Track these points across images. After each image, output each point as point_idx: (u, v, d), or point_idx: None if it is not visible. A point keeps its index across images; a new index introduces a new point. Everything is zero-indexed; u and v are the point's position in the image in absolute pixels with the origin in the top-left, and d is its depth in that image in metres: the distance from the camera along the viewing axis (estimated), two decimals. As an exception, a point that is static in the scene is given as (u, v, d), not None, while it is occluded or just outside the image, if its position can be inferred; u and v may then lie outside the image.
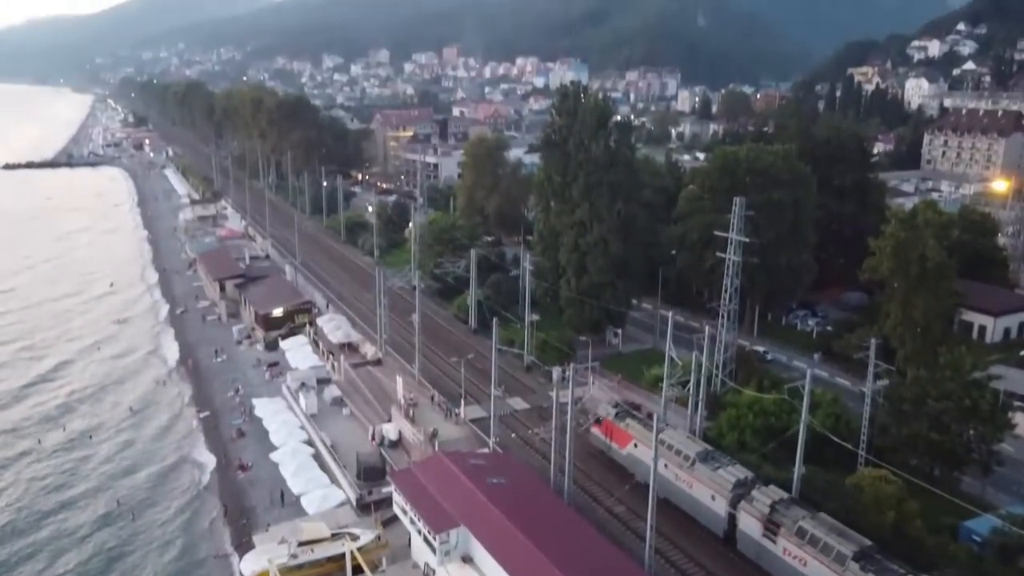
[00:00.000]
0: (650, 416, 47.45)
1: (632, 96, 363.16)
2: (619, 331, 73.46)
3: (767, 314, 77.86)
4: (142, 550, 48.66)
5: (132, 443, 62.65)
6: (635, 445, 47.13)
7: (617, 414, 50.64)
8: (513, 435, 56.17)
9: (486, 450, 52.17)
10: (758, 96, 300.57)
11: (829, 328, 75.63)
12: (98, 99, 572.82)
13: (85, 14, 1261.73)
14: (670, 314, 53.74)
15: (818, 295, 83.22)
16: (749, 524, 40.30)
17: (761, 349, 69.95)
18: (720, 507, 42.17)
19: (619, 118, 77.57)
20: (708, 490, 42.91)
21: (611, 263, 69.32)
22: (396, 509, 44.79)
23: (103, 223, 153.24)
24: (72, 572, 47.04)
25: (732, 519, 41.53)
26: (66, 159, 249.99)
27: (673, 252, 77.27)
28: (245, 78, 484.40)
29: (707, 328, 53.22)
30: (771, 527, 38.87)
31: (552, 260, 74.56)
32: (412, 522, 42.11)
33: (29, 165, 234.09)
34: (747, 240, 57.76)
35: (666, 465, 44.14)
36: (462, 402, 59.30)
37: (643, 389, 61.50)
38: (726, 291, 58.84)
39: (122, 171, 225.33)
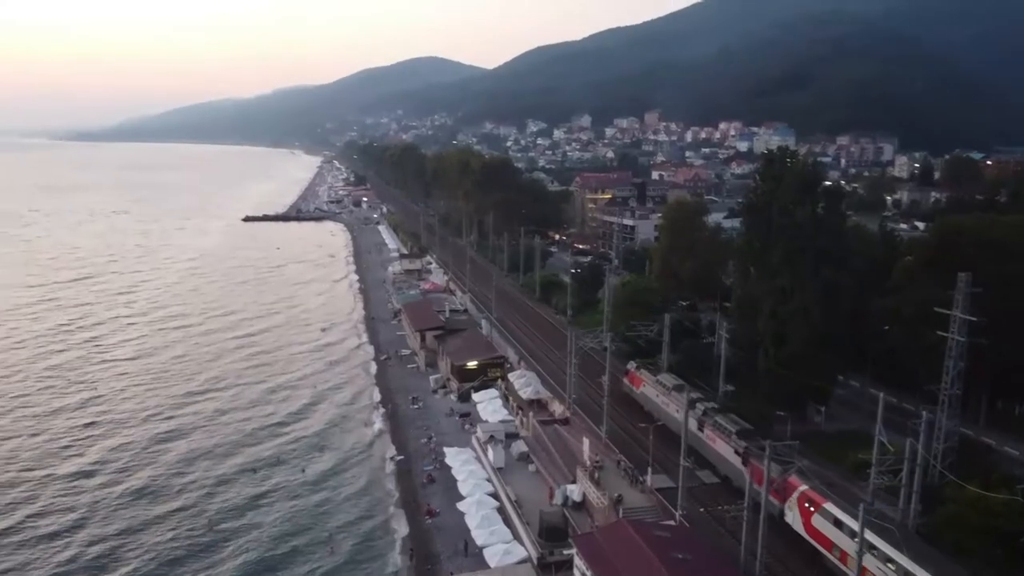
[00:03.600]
0: (856, 503, 43.62)
1: (843, 161, 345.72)
2: (822, 408, 68.77)
3: (997, 402, 69.79)
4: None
5: (329, 478, 66.45)
6: (645, 385, 71.41)
7: (637, 366, 73.84)
8: (701, 509, 53.83)
9: (672, 522, 50.27)
10: (988, 163, 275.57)
11: (1074, 423, 66.36)
12: (325, 160, 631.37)
13: (320, 84, 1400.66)
14: (880, 394, 49.62)
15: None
16: (692, 424, 57.32)
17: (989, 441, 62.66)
18: (680, 415, 58.77)
19: (828, 183, 74.01)
20: (675, 406, 63.72)
21: (813, 334, 65.38)
22: (577, 574, 44.05)
23: (322, 272, 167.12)
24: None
25: (686, 423, 55.73)
26: (295, 213, 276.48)
27: (886, 327, 71.61)
28: (455, 141, 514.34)
29: (924, 413, 48.56)
30: (702, 423, 59.96)
31: (749, 328, 71.58)
32: (592, 589, 41.23)
33: (265, 218, 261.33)
34: (973, 319, 52.47)
35: (657, 394, 68.93)
36: (649, 469, 57.76)
37: (847, 473, 56.77)
38: (947, 373, 53.52)
39: (342, 226, 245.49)
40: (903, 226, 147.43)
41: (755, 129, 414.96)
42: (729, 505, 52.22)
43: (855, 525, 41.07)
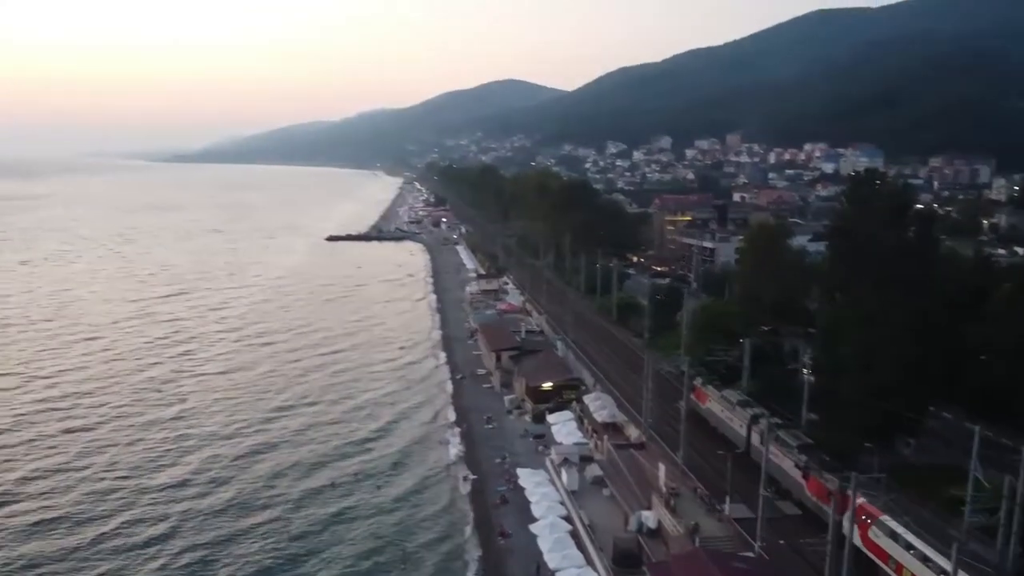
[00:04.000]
0: (950, 542, 41.59)
1: (936, 183, 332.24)
2: (912, 441, 65.91)
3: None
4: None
5: (406, 496, 67.25)
6: (710, 401, 72.99)
7: (703, 382, 74.59)
8: (781, 541, 52.20)
9: (750, 554, 48.99)
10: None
11: None
12: (406, 181, 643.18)
13: (402, 107, 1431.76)
14: (976, 428, 47.37)
15: None
16: (755, 439, 62.04)
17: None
18: (743, 430, 65.69)
19: (920, 207, 71.51)
20: (739, 421, 66.66)
21: (902, 363, 62.85)
22: (651, 602, 43.35)
23: (402, 291, 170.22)
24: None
25: (748, 438, 64.18)
26: (376, 233, 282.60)
27: (982, 357, 68.32)
28: (533, 163, 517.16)
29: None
30: (763, 439, 56.79)
31: (834, 356, 69.34)
32: (667, 619, 40.50)
33: (348, 237, 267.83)
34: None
35: (722, 410, 70.12)
36: (727, 498, 56.47)
37: (940, 510, 54.16)
38: (1050, 408, 50.65)
39: (420, 246, 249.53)
40: (1001, 251, 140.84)
41: (841, 150, 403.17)
42: (812, 538, 50.55)
43: (910, 538, 42.45)
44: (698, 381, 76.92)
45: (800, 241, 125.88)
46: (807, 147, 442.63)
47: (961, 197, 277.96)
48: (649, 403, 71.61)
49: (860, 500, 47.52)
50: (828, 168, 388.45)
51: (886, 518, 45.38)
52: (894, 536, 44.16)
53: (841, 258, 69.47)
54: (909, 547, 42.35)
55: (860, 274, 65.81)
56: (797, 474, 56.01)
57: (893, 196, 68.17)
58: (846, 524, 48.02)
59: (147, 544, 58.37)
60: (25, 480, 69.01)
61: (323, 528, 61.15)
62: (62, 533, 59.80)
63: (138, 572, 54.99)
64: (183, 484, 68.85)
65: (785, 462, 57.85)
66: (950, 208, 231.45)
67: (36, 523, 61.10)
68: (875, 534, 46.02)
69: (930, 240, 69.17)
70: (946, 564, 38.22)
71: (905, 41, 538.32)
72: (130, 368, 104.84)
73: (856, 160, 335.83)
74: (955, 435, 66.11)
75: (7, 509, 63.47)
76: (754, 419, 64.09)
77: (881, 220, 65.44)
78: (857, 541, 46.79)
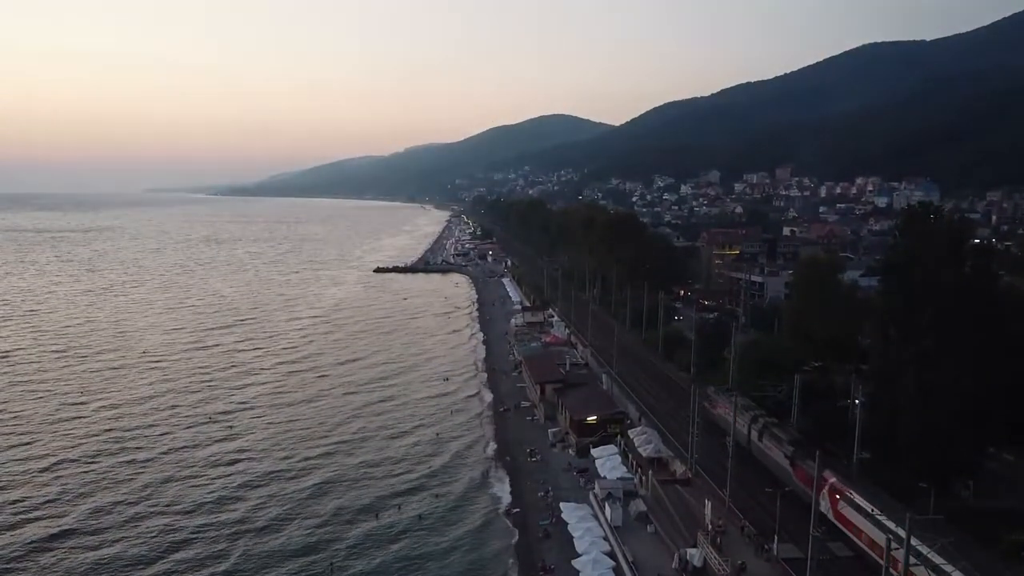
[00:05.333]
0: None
1: (994, 218, 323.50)
2: (970, 483, 63.45)
3: None
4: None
5: (450, 530, 66.72)
6: (718, 407, 78.08)
7: (716, 391, 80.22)
8: (832, 584, 50.55)
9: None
10: None
11: None
12: (454, 215, 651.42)
13: (451, 142, 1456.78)
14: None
15: None
16: (755, 436, 69.13)
17: None
18: (745, 430, 70.46)
19: (977, 241, 69.68)
20: (742, 422, 70.79)
21: (962, 403, 60.76)
22: (696, 643, 42.23)
23: (448, 323, 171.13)
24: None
25: (749, 436, 69.91)
26: (423, 265, 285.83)
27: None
28: (580, 197, 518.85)
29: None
30: (761, 435, 68.01)
31: (888, 394, 67.38)
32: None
33: (395, 269, 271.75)
34: None
35: (728, 413, 72.83)
36: (775, 538, 54.93)
37: (999, 556, 51.92)
38: (1118, 450, 48.42)
39: (467, 278, 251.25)
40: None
41: (895, 184, 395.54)
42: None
43: (872, 509, 47.96)
44: (711, 390, 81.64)
45: (852, 276, 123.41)
46: (859, 181, 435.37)
47: (1020, 232, 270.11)
48: (695, 438, 70.39)
49: (832, 480, 54.31)
50: (881, 203, 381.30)
51: (853, 494, 52.07)
52: (859, 509, 50.80)
53: (896, 294, 67.69)
54: (868, 516, 49.02)
55: (917, 311, 64.04)
56: (786, 463, 62.19)
57: (949, 230, 66.39)
58: (821, 503, 53.55)
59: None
60: (92, 514, 68.99)
61: (377, 569, 60.28)
62: (119, 568, 59.77)
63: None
64: (242, 521, 67.93)
65: (776, 453, 65.10)
66: (1009, 243, 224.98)
67: (97, 561, 60.84)
68: (844, 508, 52.83)
69: (989, 275, 67.13)
70: (893, 527, 43.10)
71: (960, 76, 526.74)
72: (188, 401, 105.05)
73: (910, 194, 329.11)
74: (1018, 478, 63.68)
75: (72, 541, 63.83)
76: (754, 419, 71.18)
77: (937, 255, 63.72)
78: (829, 515, 53.53)
